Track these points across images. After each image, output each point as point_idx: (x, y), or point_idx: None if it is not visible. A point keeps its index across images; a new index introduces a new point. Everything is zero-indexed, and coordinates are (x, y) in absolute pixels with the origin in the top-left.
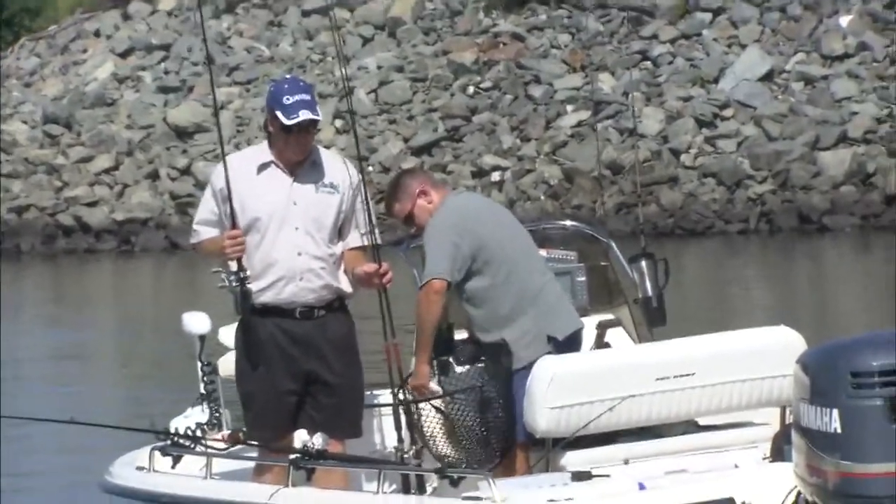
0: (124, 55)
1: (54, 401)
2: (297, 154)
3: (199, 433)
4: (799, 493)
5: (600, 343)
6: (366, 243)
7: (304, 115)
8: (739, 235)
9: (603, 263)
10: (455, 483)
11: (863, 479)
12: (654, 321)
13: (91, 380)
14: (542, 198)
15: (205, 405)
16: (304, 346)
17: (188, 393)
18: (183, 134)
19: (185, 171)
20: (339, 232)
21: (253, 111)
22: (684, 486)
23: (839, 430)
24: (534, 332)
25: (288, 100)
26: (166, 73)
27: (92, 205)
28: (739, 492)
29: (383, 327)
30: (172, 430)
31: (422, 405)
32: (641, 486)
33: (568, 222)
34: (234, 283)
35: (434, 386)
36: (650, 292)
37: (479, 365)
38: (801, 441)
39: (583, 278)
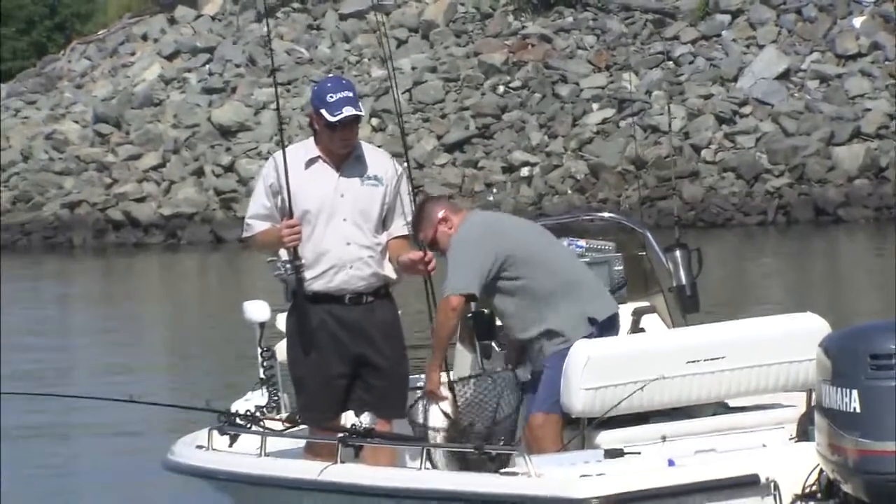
0: (170, 58)
1: (107, 386)
2: (342, 148)
3: (258, 415)
4: (821, 471)
5: (636, 329)
6: (409, 232)
7: (348, 111)
8: (758, 227)
9: (639, 253)
10: (493, 459)
11: (881, 456)
12: (687, 308)
13: (141, 366)
14: (569, 192)
15: (264, 389)
16: (354, 331)
17: (234, 378)
18: (226, 133)
19: (229, 168)
20: (384, 222)
21: (293, 110)
22: (712, 464)
23: (859, 410)
24: (577, 316)
25: (332, 97)
26: (210, 74)
27: (140, 200)
28: (765, 470)
29: (429, 312)
30: (235, 412)
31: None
32: (671, 463)
33: (606, 214)
34: (289, 272)
35: (445, 391)
36: (684, 281)
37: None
38: (823, 421)
39: (620, 267)
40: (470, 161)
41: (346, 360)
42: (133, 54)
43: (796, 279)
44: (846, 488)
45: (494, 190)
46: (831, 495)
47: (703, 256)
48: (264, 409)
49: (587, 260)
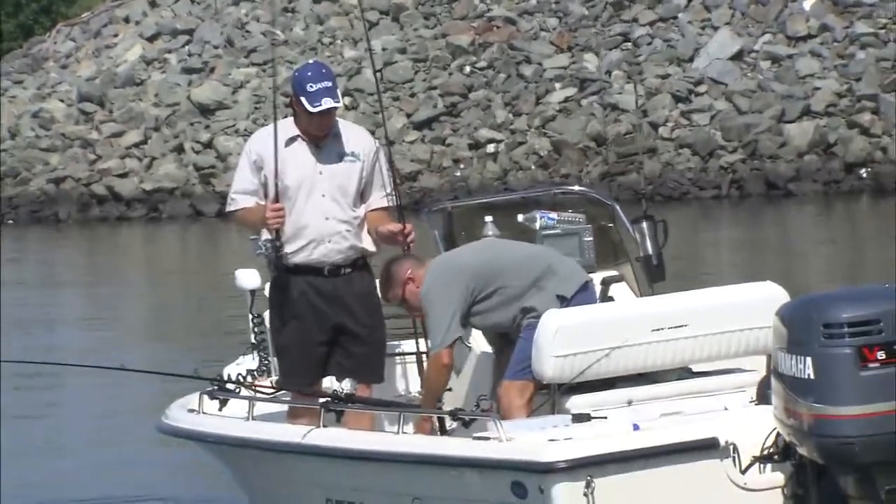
0: (151, 39)
1: (93, 355)
2: (319, 132)
3: (249, 379)
4: (779, 434)
5: (605, 297)
6: (387, 204)
7: (327, 103)
8: (713, 201)
9: (608, 224)
10: (467, 424)
11: (833, 420)
12: (654, 277)
13: (126, 335)
14: (533, 167)
15: (255, 354)
16: (333, 300)
17: (215, 343)
18: (205, 111)
19: (208, 145)
20: (362, 195)
21: (269, 89)
22: (674, 428)
23: (812, 376)
24: (549, 298)
25: (311, 87)
26: (190, 55)
27: (123, 176)
28: (725, 433)
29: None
30: (225, 377)
31: None
32: (636, 427)
33: (577, 187)
34: (269, 250)
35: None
36: (651, 251)
37: None
38: (779, 386)
39: (590, 238)
40: (438, 138)
41: (326, 328)
42: (116, 36)
43: (750, 250)
44: (801, 450)
45: (462, 166)
46: (788, 457)
47: (669, 228)
48: (255, 373)
49: (558, 231)
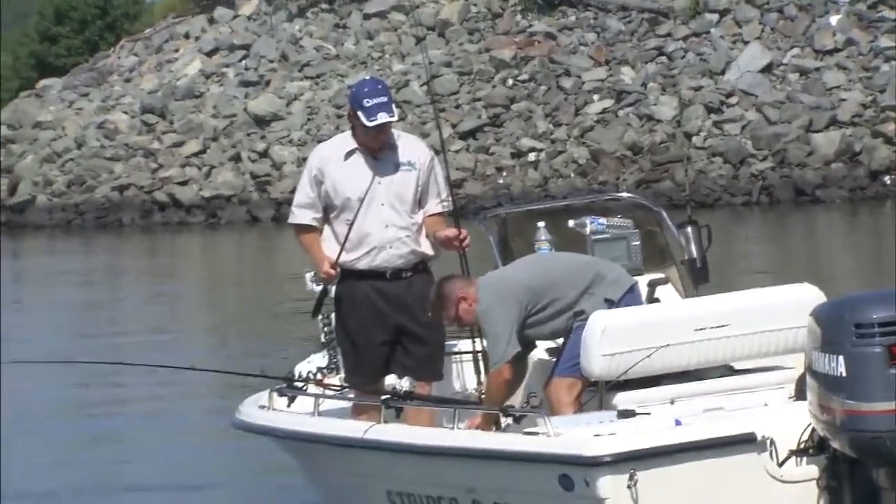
0: (210, 54)
1: (157, 354)
2: (376, 144)
3: (318, 377)
4: (813, 429)
5: (651, 298)
6: (443, 210)
7: (382, 117)
8: (744, 207)
9: (654, 229)
10: (517, 420)
11: (865, 415)
12: (698, 279)
13: (188, 335)
14: (572, 175)
15: (325, 352)
16: (394, 302)
17: (274, 342)
18: (261, 122)
19: (263, 154)
20: (419, 202)
21: (321, 102)
22: (714, 423)
23: (844, 374)
24: (598, 304)
25: (368, 102)
26: (246, 69)
27: (183, 184)
28: (763, 428)
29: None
30: (296, 374)
31: None
32: (678, 423)
33: (625, 194)
34: (318, 284)
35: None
36: (695, 254)
37: None
38: (813, 383)
39: (637, 242)
40: (482, 147)
41: (388, 328)
42: (176, 51)
43: (780, 253)
44: (835, 445)
45: (504, 174)
46: (822, 451)
47: (712, 232)
48: (324, 371)
49: (608, 236)
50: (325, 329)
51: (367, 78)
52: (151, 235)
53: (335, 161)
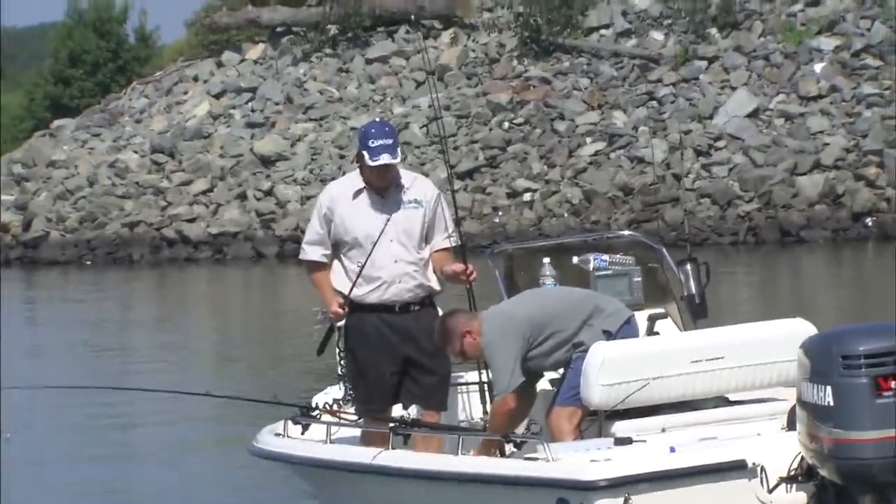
0: (218, 96)
1: (165, 384)
2: (380, 184)
3: (335, 407)
4: (803, 457)
5: (650, 332)
6: (450, 245)
7: (385, 158)
8: (731, 246)
9: (655, 266)
10: (518, 446)
11: (851, 444)
12: (697, 314)
13: (193, 368)
14: (566, 215)
15: (341, 384)
16: (403, 334)
17: (281, 373)
18: (266, 162)
19: (269, 193)
20: (426, 238)
21: (325, 143)
22: (706, 451)
23: (832, 404)
24: (596, 336)
25: (373, 143)
26: (252, 111)
27: (191, 221)
28: (753, 456)
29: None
30: (314, 405)
31: None
32: (672, 450)
33: (626, 232)
34: (326, 321)
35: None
36: (694, 290)
37: None
38: (803, 413)
39: (639, 278)
40: (479, 187)
41: (397, 359)
42: (185, 93)
43: (766, 291)
44: (823, 472)
45: (500, 213)
46: (811, 478)
47: (710, 270)
48: (340, 402)
49: (610, 272)
50: (342, 362)
51: (377, 120)
52: (160, 270)
53: (344, 199)
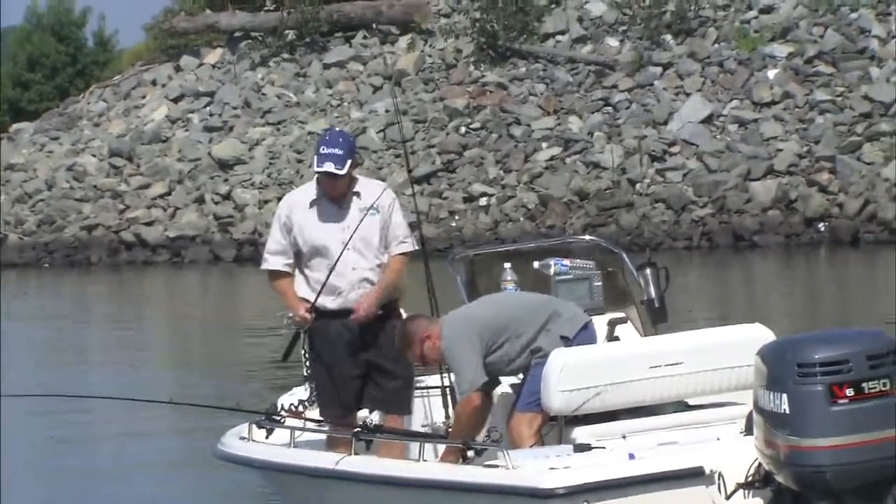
0: (176, 100)
1: (126, 390)
2: (331, 193)
3: (301, 408)
4: (760, 464)
5: (611, 337)
6: (404, 250)
7: (327, 167)
8: (685, 251)
9: (615, 270)
10: (479, 453)
11: (806, 451)
12: (657, 318)
13: (152, 370)
14: (522, 219)
15: (306, 385)
16: (366, 339)
17: (233, 377)
18: (224, 166)
19: (227, 197)
20: (385, 244)
21: (283, 147)
22: (664, 457)
23: (787, 411)
24: (554, 341)
25: (322, 150)
26: (210, 115)
27: (149, 224)
28: (711, 462)
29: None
30: (279, 406)
31: None
32: (631, 457)
33: (587, 237)
34: (292, 326)
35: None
36: (654, 295)
37: None
38: (759, 419)
39: (599, 283)
40: (436, 192)
41: (360, 364)
42: (144, 97)
43: (720, 295)
44: (779, 478)
45: (457, 217)
46: (768, 484)
47: (670, 274)
48: (306, 403)
49: (571, 276)
50: (307, 363)
51: (336, 129)
52: (118, 273)
53: (302, 208)
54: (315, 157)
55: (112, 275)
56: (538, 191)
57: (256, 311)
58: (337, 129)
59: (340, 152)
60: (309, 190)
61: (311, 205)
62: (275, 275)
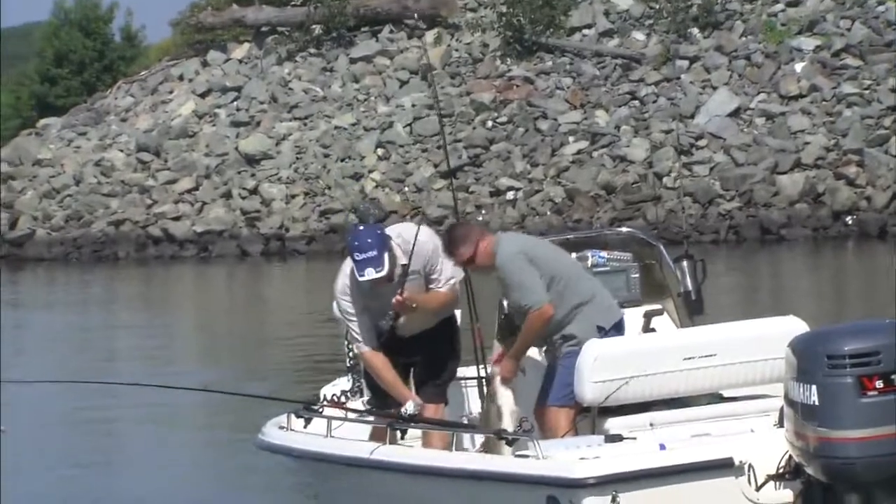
0: (203, 95)
1: (157, 379)
2: (378, 287)
3: (343, 399)
4: (790, 455)
5: (647, 329)
6: (445, 290)
7: (369, 274)
8: (712, 244)
9: (652, 263)
10: (510, 443)
11: (836, 443)
12: (693, 310)
13: (179, 363)
14: (548, 213)
15: (349, 376)
16: (412, 343)
17: (260, 369)
18: (251, 160)
19: (253, 192)
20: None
21: (309, 142)
22: (694, 449)
23: (817, 403)
24: (589, 326)
25: (357, 256)
26: (238, 110)
27: (176, 219)
28: (741, 453)
29: (470, 314)
30: (322, 397)
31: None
32: (662, 447)
33: (624, 229)
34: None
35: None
36: (690, 287)
37: None
38: (790, 411)
39: (636, 275)
40: (462, 186)
41: (407, 353)
42: (171, 92)
43: (747, 288)
44: (809, 470)
45: (483, 211)
46: (798, 476)
47: (707, 267)
48: (348, 394)
49: (608, 268)
50: (350, 355)
51: (361, 229)
52: (145, 268)
53: (359, 297)
54: (354, 265)
55: (139, 270)
56: (565, 185)
57: (284, 304)
58: (360, 227)
59: (374, 253)
60: (355, 276)
61: (366, 288)
62: (373, 357)
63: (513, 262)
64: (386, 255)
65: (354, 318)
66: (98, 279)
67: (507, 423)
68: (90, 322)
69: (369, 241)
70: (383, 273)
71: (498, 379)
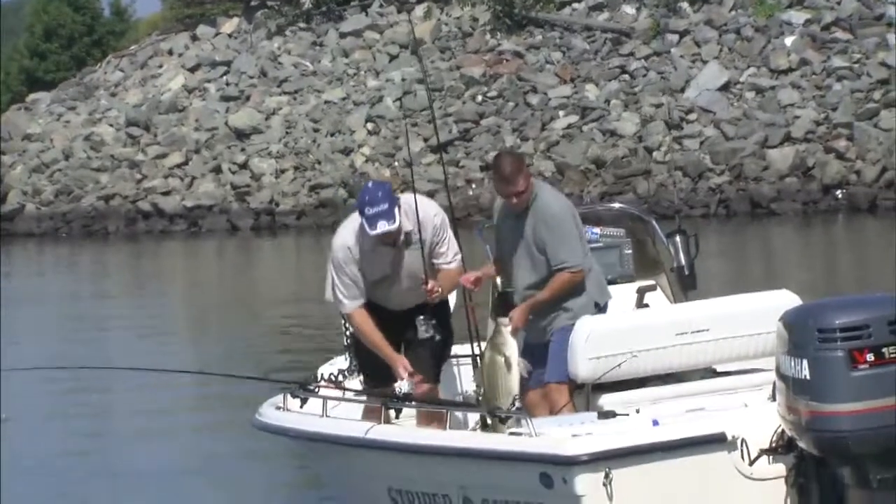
0: (193, 70)
1: (148, 359)
2: (385, 243)
3: (340, 378)
4: (783, 429)
5: (640, 304)
6: (451, 268)
7: (382, 226)
8: (702, 219)
9: (645, 238)
10: (503, 420)
11: (827, 416)
12: (687, 285)
13: (172, 342)
14: None
15: (346, 355)
16: (405, 318)
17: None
18: (241, 135)
19: (243, 166)
20: (432, 263)
21: (299, 116)
22: (687, 424)
23: (808, 377)
24: (587, 301)
25: (368, 210)
26: (227, 84)
27: (166, 194)
28: (734, 428)
29: (464, 293)
30: (319, 375)
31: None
32: (655, 423)
33: (617, 204)
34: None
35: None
36: (683, 262)
37: None
38: (781, 385)
39: (629, 251)
40: (452, 160)
41: (399, 331)
42: (160, 67)
43: (738, 262)
44: (801, 444)
45: (473, 186)
46: (791, 450)
47: (699, 241)
48: (346, 372)
49: (601, 244)
50: (348, 334)
51: (370, 184)
52: (135, 243)
53: (362, 251)
54: (364, 219)
55: (129, 245)
56: (555, 159)
57: (275, 277)
58: (370, 183)
59: (387, 206)
60: (363, 234)
61: (370, 249)
62: (355, 315)
63: (573, 215)
64: (397, 210)
65: (346, 275)
66: (88, 254)
67: (515, 373)
68: (82, 300)
69: (380, 194)
70: (395, 226)
71: (507, 329)
